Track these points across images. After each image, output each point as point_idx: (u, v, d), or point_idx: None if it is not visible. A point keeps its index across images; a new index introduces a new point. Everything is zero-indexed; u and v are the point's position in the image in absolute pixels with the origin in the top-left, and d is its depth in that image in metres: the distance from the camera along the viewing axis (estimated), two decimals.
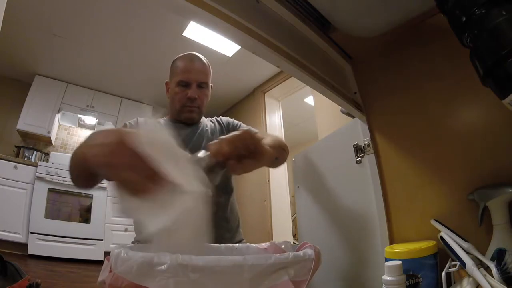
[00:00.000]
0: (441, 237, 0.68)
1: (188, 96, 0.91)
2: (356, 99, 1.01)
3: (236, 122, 1.06)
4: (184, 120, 0.96)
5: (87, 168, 0.42)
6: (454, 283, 0.61)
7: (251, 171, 0.56)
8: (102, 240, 2.68)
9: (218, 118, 1.08)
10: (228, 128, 1.03)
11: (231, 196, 0.95)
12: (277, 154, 0.76)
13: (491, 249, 0.59)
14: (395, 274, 0.50)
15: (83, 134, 3.58)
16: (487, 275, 0.55)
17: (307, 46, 0.89)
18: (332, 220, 1.07)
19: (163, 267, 0.32)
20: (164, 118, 1.02)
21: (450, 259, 0.64)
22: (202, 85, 0.94)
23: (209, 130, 0.98)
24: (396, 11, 0.77)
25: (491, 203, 0.61)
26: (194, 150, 0.54)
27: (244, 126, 1.04)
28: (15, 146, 3.01)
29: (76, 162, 0.51)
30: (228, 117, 1.10)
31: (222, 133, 0.99)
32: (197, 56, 0.97)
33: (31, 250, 2.34)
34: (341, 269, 0.99)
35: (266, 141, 0.70)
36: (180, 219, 0.34)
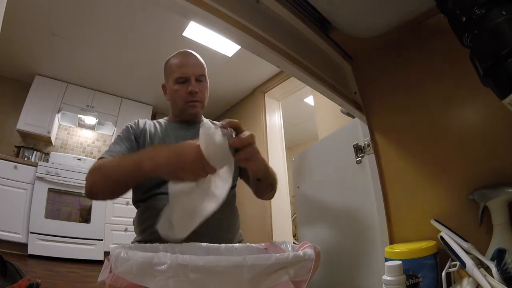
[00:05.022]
0: (441, 237, 0.68)
1: (189, 90, 0.91)
2: (356, 99, 1.01)
3: None
4: (188, 116, 0.96)
5: (137, 176, 0.60)
6: (454, 283, 0.61)
7: (255, 168, 0.71)
8: (102, 240, 2.68)
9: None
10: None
11: (231, 198, 0.95)
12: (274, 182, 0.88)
13: (491, 249, 0.59)
14: (395, 274, 0.50)
15: (83, 134, 3.58)
16: (487, 275, 0.55)
17: (307, 46, 0.89)
18: (332, 220, 1.07)
19: (163, 267, 0.32)
20: (165, 118, 1.02)
21: (450, 259, 0.64)
22: (201, 78, 0.94)
23: None
24: (396, 11, 0.77)
25: (491, 203, 0.61)
26: None
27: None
28: (15, 146, 3.00)
29: (119, 172, 0.64)
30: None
31: None
32: (189, 51, 0.97)
33: (31, 250, 2.33)
34: (341, 269, 0.99)
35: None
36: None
